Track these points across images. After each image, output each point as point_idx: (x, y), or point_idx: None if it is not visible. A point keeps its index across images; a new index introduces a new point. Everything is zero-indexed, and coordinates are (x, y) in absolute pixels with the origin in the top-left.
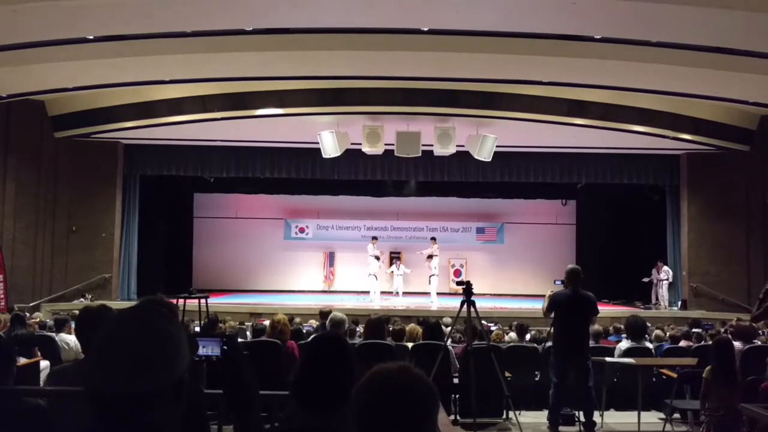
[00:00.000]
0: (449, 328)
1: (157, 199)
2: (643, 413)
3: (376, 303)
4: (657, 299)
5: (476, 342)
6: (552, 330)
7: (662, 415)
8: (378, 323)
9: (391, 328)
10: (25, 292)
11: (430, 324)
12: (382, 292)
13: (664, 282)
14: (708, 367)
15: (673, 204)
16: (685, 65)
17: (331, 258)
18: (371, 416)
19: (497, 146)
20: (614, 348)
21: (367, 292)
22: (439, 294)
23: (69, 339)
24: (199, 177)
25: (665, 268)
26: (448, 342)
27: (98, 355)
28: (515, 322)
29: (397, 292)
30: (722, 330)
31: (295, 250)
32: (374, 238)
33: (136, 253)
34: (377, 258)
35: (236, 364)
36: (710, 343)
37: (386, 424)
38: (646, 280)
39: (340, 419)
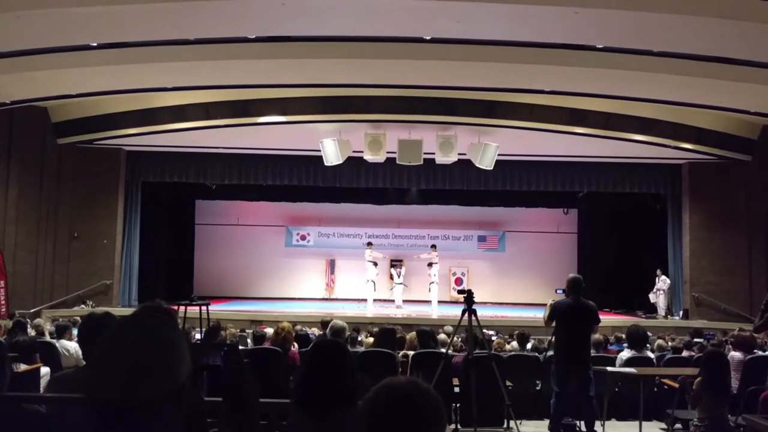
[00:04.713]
0: (451, 337)
1: (158, 205)
2: (644, 423)
3: (369, 312)
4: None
5: (477, 351)
6: (553, 339)
7: (664, 425)
8: (390, 333)
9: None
10: (26, 298)
11: (423, 332)
12: (382, 300)
13: (660, 291)
14: (698, 379)
15: (674, 213)
16: (687, 75)
17: (332, 266)
18: (379, 428)
19: (499, 155)
20: (615, 357)
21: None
22: (440, 302)
23: (70, 345)
24: (201, 184)
25: (662, 277)
26: (449, 350)
27: (99, 362)
28: (516, 331)
29: (398, 306)
30: (723, 340)
31: (297, 257)
32: (369, 243)
33: (137, 259)
34: (375, 264)
35: (238, 375)
36: None
37: None
38: (652, 295)
39: (340, 423)
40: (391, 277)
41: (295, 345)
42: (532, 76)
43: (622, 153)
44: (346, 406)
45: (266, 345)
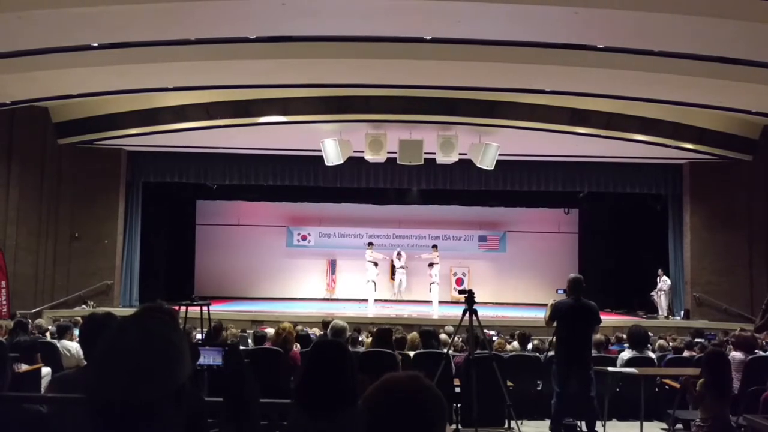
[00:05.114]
0: (452, 337)
1: (159, 205)
2: (645, 423)
3: (370, 312)
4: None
5: (478, 351)
6: (554, 339)
7: (665, 426)
8: (387, 333)
9: (393, 337)
10: (27, 299)
11: (426, 332)
12: (382, 300)
13: (662, 292)
14: (701, 380)
15: (675, 213)
16: (688, 75)
17: (333, 266)
18: (379, 425)
19: (499, 155)
20: (616, 357)
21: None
22: (441, 302)
23: (71, 346)
24: (201, 184)
25: (663, 277)
26: (450, 350)
27: (100, 363)
28: (517, 331)
29: (397, 293)
30: (724, 340)
31: (297, 257)
32: (370, 243)
33: (138, 259)
34: (375, 264)
35: (239, 375)
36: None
37: None
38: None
39: (340, 423)
40: (393, 268)
41: (298, 345)
42: (533, 76)
43: (623, 153)
44: (347, 406)
45: (267, 345)
